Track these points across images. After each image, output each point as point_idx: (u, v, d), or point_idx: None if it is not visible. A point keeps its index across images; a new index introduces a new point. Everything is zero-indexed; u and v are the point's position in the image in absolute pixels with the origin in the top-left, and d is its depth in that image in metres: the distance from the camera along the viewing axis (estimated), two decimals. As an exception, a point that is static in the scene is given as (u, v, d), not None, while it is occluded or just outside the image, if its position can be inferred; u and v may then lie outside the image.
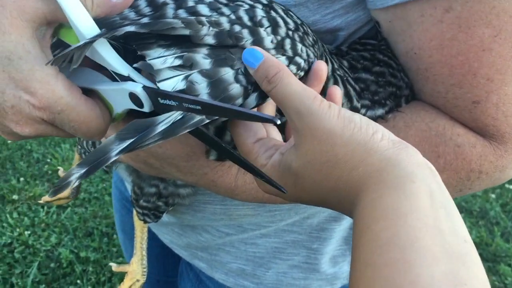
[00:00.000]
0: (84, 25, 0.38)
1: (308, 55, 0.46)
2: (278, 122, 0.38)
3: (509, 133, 0.54)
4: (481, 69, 0.50)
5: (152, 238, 0.92)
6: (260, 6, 0.46)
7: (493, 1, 0.48)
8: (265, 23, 0.44)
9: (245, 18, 0.44)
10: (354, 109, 0.55)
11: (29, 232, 2.08)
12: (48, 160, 2.50)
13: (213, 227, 0.78)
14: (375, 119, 0.57)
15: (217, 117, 0.40)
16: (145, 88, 0.40)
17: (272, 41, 0.44)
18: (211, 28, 0.41)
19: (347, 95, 0.54)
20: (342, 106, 0.54)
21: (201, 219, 0.76)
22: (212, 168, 0.57)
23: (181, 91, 0.39)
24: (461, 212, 2.46)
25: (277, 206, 0.72)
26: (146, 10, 0.44)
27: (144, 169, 0.61)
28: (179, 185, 0.69)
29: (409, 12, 0.52)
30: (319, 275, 0.81)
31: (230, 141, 0.52)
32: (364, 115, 0.56)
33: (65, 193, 1.01)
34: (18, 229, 2.08)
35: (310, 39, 0.49)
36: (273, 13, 0.46)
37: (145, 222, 0.77)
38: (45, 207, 2.21)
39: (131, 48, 0.40)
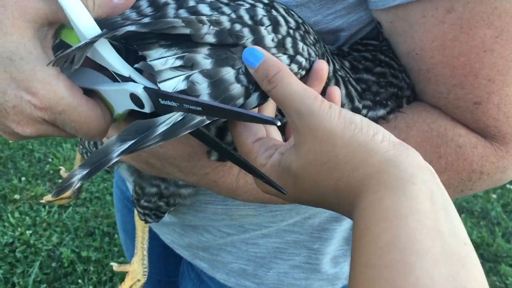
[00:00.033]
0: (85, 25, 0.38)
1: (309, 54, 0.46)
2: (278, 123, 0.38)
3: (511, 134, 0.54)
4: (483, 70, 0.50)
5: (154, 238, 0.92)
6: (261, 5, 0.46)
7: (495, 2, 0.48)
8: (266, 21, 0.44)
9: (246, 17, 0.44)
10: (355, 109, 0.55)
11: (30, 232, 2.08)
12: (50, 160, 2.51)
13: (215, 227, 0.78)
14: (377, 119, 0.57)
15: (217, 118, 0.40)
16: (146, 89, 0.40)
17: (273, 40, 0.44)
18: (211, 27, 0.41)
19: (348, 95, 0.54)
20: (344, 106, 0.54)
21: (202, 219, 0.77)
22: (214, 168, 0.57)
23: (182, 91, 0.39)
24: (462, 212, 2.47)
25: (278, 206, 0.72)
26: (148, 10, 0.44)
27: (146, 169, 0.61)
28: (180, 185, 0.69)
29: (410, 13, 0.52)
30: (320, 275, 0.81)
31: (231, 142, 0.52)
32: (365, 115, 0.56)
33: (67, 193, 1.01)
34: (19, 229, 2.08)
35: (312, 37, 0.49)
36: (274, 12, 0.46)
37: (146, 222, 0.77)
38: (47, 207, 2.22)
39: (132, 48, 0.40)
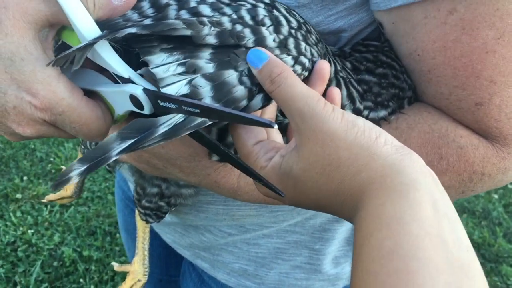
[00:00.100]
0: (85, 27, 0.38)
1: (312, 54, 0.46)
2: (275, 126, 0.37)
3: (512, 135, 0.54)
4: (484, 71, 0.50)
5: (155, 237, 0.92)
6: (262, 5, 0.46)
7: (497, 3, 0.47)
8: (267, 22, 0.44)
9: (247, 18, 0.44)
10: (357, 110, 0.55)
11: (32, 231, 2.08)
12: (52, 159, 2.51)
13: (216, 227, 0.78)
14: (378, 120, 0.57)
15: (217, 121, 0.40)
16: (145, 90, 0.40)
17: (274, 40, 0.44)
18: (212, 28, 0.41)
19: (350, 96, 0.54)
20: (345, 107, 0.54)
21: (203, 219, 0.77)
22: (215, 169, 0.57)
23: (184, 95, 0.39)
24: (463, 212, 2.47)
25: (280, 206, 0.72)
26: (149, 11, 0.44)
27: (147, 169, 0.61)
28: (181, 185, 0.69)
29: (412, 14, 0.52)
30: (321, 276, 0.81)
31: (231, 144, 0.52)
32: (367, 116, 0.56)
33: (68, 192, 1.01)
34: (21, 228, 2.09)
35: (313, 37, 0.49)
36: (275, 12, 0.46)
37: (147, 222, 0.77)
38: (49, 206, 2.22)
39: (133, 50, 0.41)
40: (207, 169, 0.57)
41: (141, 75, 0.41)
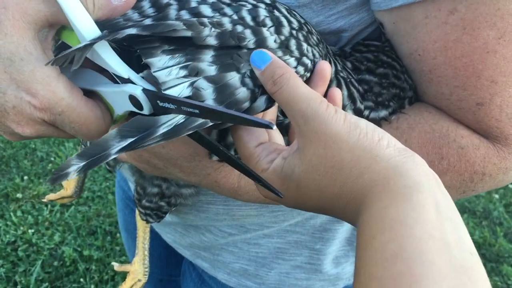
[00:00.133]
0: (85, 27, 0.38)
1: (313, 55, 0.46)
2: (274, 127, 0.37)
3: (513, 135, 0.53)
4: (485, 71, 0.50)
5: (155, 237, 0.92)
6: (263, 5, 0.46)
7: (498, 3, 0.47)
8: (268, 22, 0.44)
9: (248, 18, 0.43)
10: (357, 110, 0.55)
11: (32, 231, 2.08)
12: (52, 159, 2.51)
13: (216, 227, 0.78)
14: (379, 120, 0.57)
15: (220, 122, 0.40)
16: (144, 90, 0.40)
17: (275, 41, 0.44)
18: (213, 29, 0.41)
19: (350, 96, 0.54)
20: (346, 107, 0.54)
21: (204, 219, 0.77)
22: (215, 168, 0.57)
23: (186, 97, 0.39)
24: (464, 212, 2.47)
25: (280, 206, 0.72)
26: (150, 11, 0.44)
27: (148, 169, 0.61)
28: (181, 185, 0.69)
29: (413, 14, 0.52)
30: (322, 276, 0.81)
31: (231, 144, 0.52)
32: (367, 116, 0.56)
33: (69, 191, 1.01)
34: (22, 228, 2.09)
35: (315, 38, 0.48)
36: (276, 13, 0.46)
37: (148, 222, 0.77)
38: (49, 206, 2.22)
39: (133, 49, 0.40)
40: (207, 169, 0.57)
41: (138, 72, 0.41)
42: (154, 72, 0.39)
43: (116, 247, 2.07)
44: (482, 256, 2.23)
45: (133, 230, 0.91)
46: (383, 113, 0.57)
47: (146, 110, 0.40)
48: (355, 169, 0.38)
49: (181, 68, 0.39)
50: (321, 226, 0.77)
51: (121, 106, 0.42)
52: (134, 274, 0.87)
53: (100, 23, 0.40)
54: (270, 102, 0.43)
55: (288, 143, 0.49)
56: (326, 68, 0.46)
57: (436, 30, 0.51)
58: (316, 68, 0.46)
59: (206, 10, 0.43)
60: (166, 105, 0.39)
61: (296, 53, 0.44)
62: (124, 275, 1.83)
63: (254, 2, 0.46)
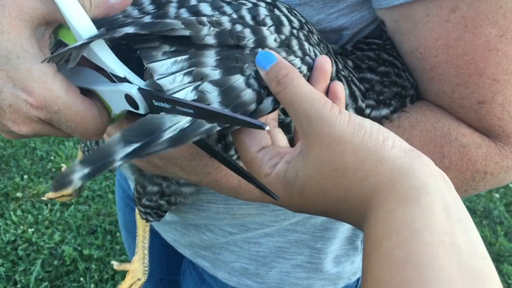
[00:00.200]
0: (82, 25, 0.38)
1: (315, 55, 0.46)
2: (267, 128, 0.37)
3: (515, 134, 0.53)
4: (487, 69, 0.50)
5: (155, 236, 0.92)
6: (263, 4, 0.45)
7: (500, 1, 0.47)
8: (268, 21, 0.44)
9: (248, 17, 0.43)
10: (359, 109, 0.54)
11: (32, 230, 2.08)
12: (52, 158, 2.51)
13: (217, 226, 0.78)
14: (380, 119, 0.56)
15: (214, 122, 0.40)
16: (140, 90, 0.39)
17: (275, 40, 0.43)
18: (211, 28, 0.40)
19: (352, 95, 0.53)
20: (347, 106, 0.53)
21: (204, 218, 0.76)
22: (216, 167, 0.57)
23: (192, 101, 0.38)
24: (464, 211, 2.46)
25: (281, 205, 0.72)
26: (149, 8, 0.44)
27: (148, 168, 0.61)
28: (181, 184, 0.69)
29: (414, 12, 0.51)
30: (322, 275, 0.81)
31: (231, 143, 0.52)
32: (369, 115, 0.56)
33: (69, 190, 1.01)
34: (21, 227, 2.09)
35: (315, 37, 0.48)
36: (277, 12, 0.45)
37: (147, 221, 0.77)
38: (49, 205, 2.22)
39: (132, 48, 0.40)
40: (207, 167, 0.57)
41: (135, 70, 0.40)
42: (158, 79, 0.38)
43: (116, 246, 2.07)
44: (483, 255, 2.23)
45: (133, 229, 0.91)
46: (384, 111, 0.57)
47: (142, 110, 0.40)
48: (359, 171, 0.36)
49: (185, 74, 0.39)
50: (321, 225, 0.77)
51: (118, 105, 0.42)
52: (133, 273, 0.87)
53: (99, 20, 0.40)
54: (277, 103, 0.42)
55: (292, 144, 0.48)
56: (325, 62, 0.45)
57: (438, 28, 0.51)
58: (316, 64, 0.45)
59: (205, 8, 0.43)
60: (161, 104, 0.38)
61: (299, 53, 0.44)
62: (124, 275, 1.82)
63: (255, 1, 0.45)
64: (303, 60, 0.44)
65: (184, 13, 0.42)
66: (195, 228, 0.81)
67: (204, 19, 0.41)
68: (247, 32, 0.42)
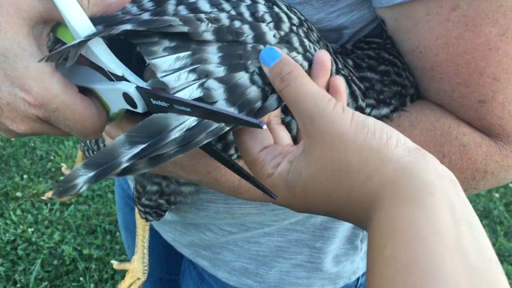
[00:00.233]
0: (79, 24, 0.38)
1: (315, 51, 0.46)
2: (264, 126, 0.36)
3: (515, 133, 0.53)
4: (488, 68, 0.50)
5: (155, 236, 0.92)
6: (262, 1, 0.45)
7: (500, 0, 0.47)
8: (268, 18, 0.44)
9: (246, 14, 0.43)
10: (359, 108, 0.54)
11: (32, 229, 2.08)
12: (52, 158, 2.51)
13: (216, 226, 0.78)
14: (380, 118, 0.56)
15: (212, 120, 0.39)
16: (138, 88, 0.39)
17: (275, 36, 0.43)
18: (209, 25, 0.40)
19: (352, 94, 0.53)
20: (347, 105, 0.53)
21: (204, 217, 0.76)
22: (216, 167, 0.57)
23: (198, 99, 0.38)
24: (464, 211, 2.46)
25: (281, 204, 0.72)
26: (149, 4, 0.44)
27: (148, 167, 0.61)
28: (181, 183, 0.69)
29: (415, 11, 0.51)
30: (322, 274, 0.81)
31: (232, 142, 0.51)
32: (369, 114, 0.56)
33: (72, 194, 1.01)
34: (21, 226, 2.09)
35: (315, 35, 0.48)
36: (276, 9, 0.45)
37: (147, 220, 0.76)
38: (49, 204, 2.22)
39: (130, 46, 0.40)
40: (207, 167, 0.57)
41: (132, 69, 0.40)
42: (162, 77, 0.37)
43: (116, 246, 2.07)
44: (482, 255, 2.23)
45: (133, 229, 0.91)
46: (384, 110, 0.56)
47: (140, 108, 0.40)
48: (362, 171, 0.36)
49: (190, 71, 0.38)
50: (321, 224, 0.77)
51: (116, 104, 0.41)
52: (133, 273, 0.87)
53: (97, 17, 0.40)
54: (281, 101, 0.41)
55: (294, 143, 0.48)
56: (324, 56, 0.44)
57: (438, 27, 0.50)
58: (315, 59, 0.44)
59: (204, 5, 0.43)
60: (159, 103, 0.38)
61: (300, 50, 0.44)
62: (123, 274, 1.82)
63: None
64: (304, 57, 0.44)
65: (182, 10, 0.42)
66: (195, 228, 0.81)
67: (202, 15, 0.41)
68: (246, 28, 0.42)
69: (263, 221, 0.75)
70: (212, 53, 0.40)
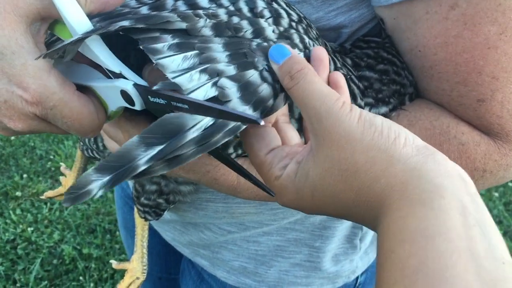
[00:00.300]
0: (77, 21, 0.38)
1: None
2: (262, 123, 0.35)
3: (514, 132, 0.53)
4: (486, 67, 0.50)
5: (154, 235, 0.92)
6: None
7: None
8: (267, 14, 0.43)
9: (245, 9, 0.43)
10: (358, 107, 0.54)
11: (32, 229, 2.08)
12: (51, 157, 2.51)
13: (215, 225, 0.78)
14: (379, 117, 0.56)
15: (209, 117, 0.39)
16: (136, 85, 0.39)
17: (274, 31, 0.42)
18: (208, 20, 0.40)
19: (351, 93, 0.53)
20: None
21: (203, 217, 0.76)
22: (215, 166, 0.57)
23: (213, 98, 0.37)
24: (464, 210, 2.46)
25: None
26: None
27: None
28: (180, 182, 0.69)
29: (414, 9, 0.51)
30: (321, 273, 0.81)
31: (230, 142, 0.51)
32: (367, 113, 0.55)
33: (67, 188, 1.01)
34: (21, 226, 2.09)
35: (314, 32, 0.48)
36: (275, 5, 0.45)
37: (146, 219, 0.76)
38: (48, 204, 2.22)
39: (127, 44, 0.40)
40: (206, 166, 0.57)
41: (129, 66, 0.40)
42: (174, 78, 0.36)
43: (116, 245, 2.07)
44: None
45: (132, 228, 0.91)
46: (383, 109, 0.56)
47: (137, 106, 0.39)
48: (370, 172, 0.35)
49: (201, 71, 0.37)
50: (320, 223, 0.77)
51: (114, 102, 0.41)
52: (132, 272, 0.87)
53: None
54: (288, 99, 0.41)
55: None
56: (321, 52, 0.43)
57: (437, 26, 0.50)
58: (312, 55, 0.43)
59: (202, 1, 0.42)
60: (157, 100, 0.38)
61: (301, 46, 0.44)
62: (123, 274, 1.82)
63: None
64: (304, 54, 0.43)
65: (181, 5, 0.42)
66: (194, 227, 0.81)
67: (201, 12, 0.40)
68: (245, 23, 0.41)
69: (262, 221, 0.75)
70: (219, 52, 0.39)
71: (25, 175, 2.37)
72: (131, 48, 0.42)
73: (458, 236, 0.30)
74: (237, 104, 0.37)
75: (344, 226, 0.79)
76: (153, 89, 0.37)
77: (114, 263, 0.90)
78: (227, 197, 0.71)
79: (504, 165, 0.55)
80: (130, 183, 0.84)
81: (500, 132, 0.53)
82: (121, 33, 0.38)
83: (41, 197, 1.06)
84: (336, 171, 0.36)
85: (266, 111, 0.39)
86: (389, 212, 0.33)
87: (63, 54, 0.38)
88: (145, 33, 0.38)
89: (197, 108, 0.36)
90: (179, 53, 0.37)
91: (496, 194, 2.59)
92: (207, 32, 0.39)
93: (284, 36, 0.43)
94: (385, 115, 0.57)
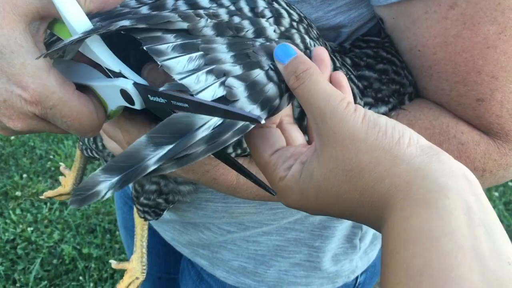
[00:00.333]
0: (76, 20, 0.38)
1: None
2: (263, 121, 0.35)
3: (514, 131, 0.53)
4: (486, 67, 0.50)
5: (154, 235, 0.92)
6: None
7: None
8: (267, 13, 0.43)
9: (246, 9, 0.43)
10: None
11: (32, 229, 2.08)
12: (51, 157, 2.51)
13: (215, 225, 0.78)
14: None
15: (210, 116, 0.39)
16: (135, 85, 0.39)
17: (275, 31, 0.42)
18: (209, 20, 0.40)
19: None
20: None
21: (202, 216, 0.76)
22: (214, 166, 0.57)
23: (221, 98, 0.37)
24: (464, 210, 2.46)
25: (279, 204, 0.72)
26: None
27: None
28: (179, 182, 0.69)
29: (413, 9, 0.51)
30: (321, 273, 0.81)
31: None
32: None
33: (67, 188, 1.01)
34: (21, 226, 2.09)
35: (314, 32, 0.48)
36: (275, 4, 0.45)
37: (146, 219, 0.76)
38: (48, 204, 2.22)
39: (128, 43, 0.40)
40: (206, 166, 0.57)
41: (129, 65, 0.39)
42: (180, 79, 0.36)
43: (116, 245, 2.07)
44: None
45: (132, 228, 0.91)
46: (382, 109, 0.56)
47: (137, 105, 0.39)
48: (374, 172, 0.35)
49: (208, 72, 0.37)
50: (320, 223, 0.77)
51: (114, 101, 0.41)
52: (132, 272, 0.87)
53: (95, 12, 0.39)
54: (292, 99, 0.41)
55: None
56: (322, 52, 0.43)
57: (436, 25, 0.50)
58: (313, 56, 0.43)
59: (203, 0, 0.42)
60: (157, 99, 0.37)
61: (302, 46, 0.44)
62: (123, 273, 1.82)
63: None
64: (305, 53, 0.43)
65: (182, 5, 0.42)
66: (194, 227, 0.81)
67: (201, 11, 0.40)
68: (246, 23, 0.41)
69: (262, 220, 0.75)
70: (224, 52, 0.39)
71: (25, 175, 2.37)
72: (130, 47, 0.42)
73: (463, 236, 0.29)
74: (245, 104, 0.37)
75: (343, 226, 0.79)
76: (153, 88, 0.37)
77: (114, 263, 0.90)
78: (227, 197, 0.71)
79: (504, 165, 0.55)
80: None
81: (499, 132, 0.53)
82: (122, 32, 0.38)
83: (41, 197, 1.06)
84: (341, 171, 0.36)
85: (272, 111, 0.39)
86: (393, 212, 0.33)
87: (62, 53, 0.38)
88: (146, 32, 0.38)
89: (198, 107, 0.36)
90: (184, 55, 0.37)
91: (496, 194, 2.59)
92: (209, 32, 0.39)
93: (285, 36, 0.43)
94: (384, 114, 0.57)
